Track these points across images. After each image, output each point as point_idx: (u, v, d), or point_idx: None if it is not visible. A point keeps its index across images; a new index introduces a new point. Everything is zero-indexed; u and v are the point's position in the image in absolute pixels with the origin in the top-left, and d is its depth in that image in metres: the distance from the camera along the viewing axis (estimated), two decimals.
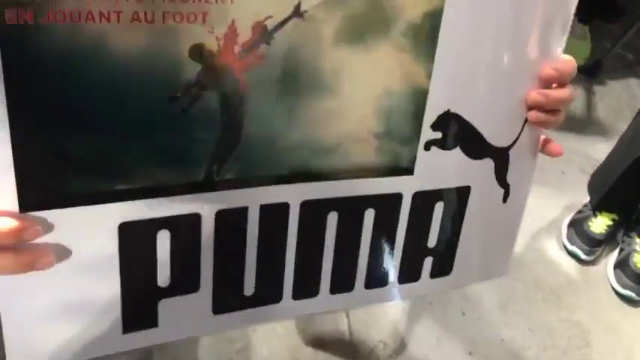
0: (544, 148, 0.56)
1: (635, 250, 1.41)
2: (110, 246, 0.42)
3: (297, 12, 0.41)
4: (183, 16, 0.37)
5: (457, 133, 0.50)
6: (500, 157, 0.53)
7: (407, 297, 0.56)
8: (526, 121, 0.52)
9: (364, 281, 0.53)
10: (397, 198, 0.51)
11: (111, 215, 0.41)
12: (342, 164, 0.47)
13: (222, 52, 0.40)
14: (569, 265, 1.45)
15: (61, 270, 0.40)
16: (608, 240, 1.46)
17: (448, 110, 0.49)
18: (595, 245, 1.44)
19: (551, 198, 1.56)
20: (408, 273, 0.55)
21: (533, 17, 0.48)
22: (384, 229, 0.51)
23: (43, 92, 0.36)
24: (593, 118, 1.79)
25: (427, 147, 0.49)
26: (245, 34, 0.40)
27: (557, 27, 0.49)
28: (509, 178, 0.54)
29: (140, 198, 0.41)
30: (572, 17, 0.50)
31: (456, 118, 0.49)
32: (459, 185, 0.53)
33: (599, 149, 1.63)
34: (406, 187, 0.50)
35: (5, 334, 0.40)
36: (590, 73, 1.86)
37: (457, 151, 0.51)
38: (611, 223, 1.45)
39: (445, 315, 1.30)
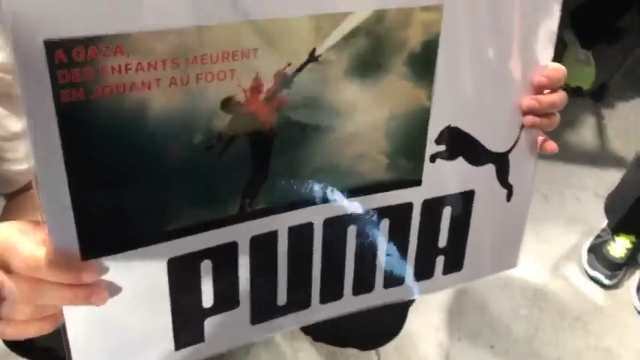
0: (541, 146, 0.60)
1: None
2: (161, 278, 0.47)
3: (313, 57, 0.45)
4: (214, 75, 0.41)
5: (459, 144, 0.55)
6: (501, 162, 0.58)
7: (423, 293, 0.61)
8: (523, 126, 0.56)
9: (383, 282, 0.58)
10: (408, 207, 0.56)
11: (160, 253, 0.46)
12: (357, 183, 0.52)
13: (249, 102, 0.44)
14: (592, 290, 1.44)
15: (119, 301, 0.45)
16: (629, 262, 1.45)
17: (449, 125, 0.53)
18: (616, 269, 1.43)
19: (569, 225, 1.56)
20: (422, 271, 0.60)
21: (522, 33, 0.53)
22: (398, 235, 0.57)
23: (97, 155, 0.40)
24: (603, 141, 1.80)
25: (432, 159, 0.54)
26: (268, 83, 0.44)
27: (543, 39, 0.54)
28: (512, 179, 0.59)
29: (184, 235, 0.46)
30: (556, 29, 0.54)
31: (457, 131, 0.54)
32: (463, 190, 0.58)
33: (612, 172, 1.63)
34: (416, 196, 0.55)
35: (73, 352, 0.45)
36: (597, 97, 1.87)
37: (460, 160, 0.55)
38: (630, 245, 1.44)
39: (475, 349, 1.29)
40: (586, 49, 1.90)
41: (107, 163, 0.41)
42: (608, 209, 1.49)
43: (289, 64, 0.44)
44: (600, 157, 1.75)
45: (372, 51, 0.47)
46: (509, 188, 0.60)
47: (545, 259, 1.48)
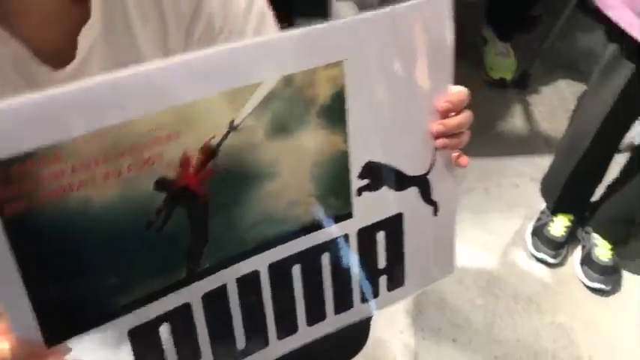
0: (455, 162, 0.65)
1: (594, 245, 1.49)
2: (124, 348, 0.51)
3: (232, 127, 0.50)
4: (144, 162, 0.46)
5: (380, 176, 0.60)
6: (422, 183, 0.64)
7: (373, 312, 0.67)
8: (436, 148, 0.62)
9: (333, 309, 0.63)
10: (345, 238, 0.61)
11: (120, 326, 0.50)
12: (294, 226, 0.57)
13: (180, 177, 0.48)
14: (540, 271, 1.52)
15: None
16: (570, 240, 1.54)
17: (369, 160, 0.59)
18: (559, 247, 1.52)
19: (511, 212, 1.64)
20: (368, 293, 0.65)
21: (421, 67, 0.58)
22: (340, 265, 0.62)
23: (47, 253, 0.44)
24: (533, 127, 1.89)
25: (359, 193, 0.60)
26: (195, 157, 0.49)
27: (441, 68, 0.59)
28: (435, 195, 0.65)
29: (139, 307, 0.50)
30: (451, 58, 0.59)
31: (376, 164, 0.60)
32: (392, 214, 0.63)
33: (545, 155, 1.71)
34: (350, 227, 0.61)
35: None
36: (520, 85, 1.97)
37: (384, 188, 0.61)
38: (569, 223, 1.53)
39: (439, 345, 1.35)
40: (504, 41, 2.00)
41: (58, 258, 0.45)
42: (544, 192, 1.57)
43: (213, 137, 0.49)
44: (532, 143, 1.84)
45: (286, 111, 0.52)
46: (434, 205, 0.65)
47: (492, 248, 1.56)
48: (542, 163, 1.65)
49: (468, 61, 1.95)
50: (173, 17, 0.61)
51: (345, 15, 2.11)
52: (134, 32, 0.60)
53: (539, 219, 1.57)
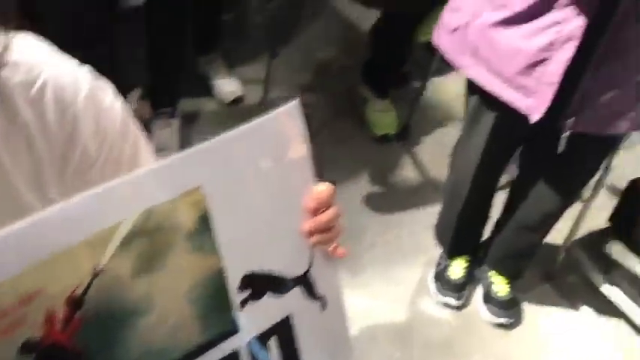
0: (333, 254, 0.67)
1: (491, 282, 1.57)
2: None
3: (96, 272, 0.49)
4: (7, 328, 0.45)
5: (261, 284, 0.61)
6: (304, 282, 0.65)
7: None
8: (312, 245, 0.64)
9: None
10: (235, 354, 0.61)
11: None
12: (181, 352, 0.56)
13: (47, 335, 0.48)
14: (447, 315, 1.58)
15: None
16: (470, 280, 1.62)
17: (246, 272, 0.60)
18: (460, 289, 1.59)
19: (413, 261, 1.70)
20: None
21: (281, 176, 0.60)
22: None
23: None
24: (420, 175, 1.98)
25: (242, 305, 0.60)
26: (61, 311, 0.48)
27: (301, 171, 0.61)
28: (320, 291, 0.66)
29: None
30: (309, 159, 0.61)
31: (254, 275, 0.60)
32: (281, 318, 0.64)
33: (434, 202, 1.80)
34: (239, 342, 0.61)
35: None
36: (403, 138, 2.07)
37: (268, 295, 0.62)
38: (466, 265, 1.61)
39: None
40: (382, 98, 2.10)
41: None
42: (438, 238, 1.65)
43: (77, 287, 0.48)
44: (422, 191, 1.92)
45: (151, 244, 0.52)
46: (320, 299, 0.67)
47: (400, 300, 1.61)
48: (432, 209, 1.74)
49: (354, 122, 2.04)
50: (45, 152, 0.62)
51: (228, 90, 2.14)
52: (6, 170, 0.61)
53: (438, 264, 1.64)
